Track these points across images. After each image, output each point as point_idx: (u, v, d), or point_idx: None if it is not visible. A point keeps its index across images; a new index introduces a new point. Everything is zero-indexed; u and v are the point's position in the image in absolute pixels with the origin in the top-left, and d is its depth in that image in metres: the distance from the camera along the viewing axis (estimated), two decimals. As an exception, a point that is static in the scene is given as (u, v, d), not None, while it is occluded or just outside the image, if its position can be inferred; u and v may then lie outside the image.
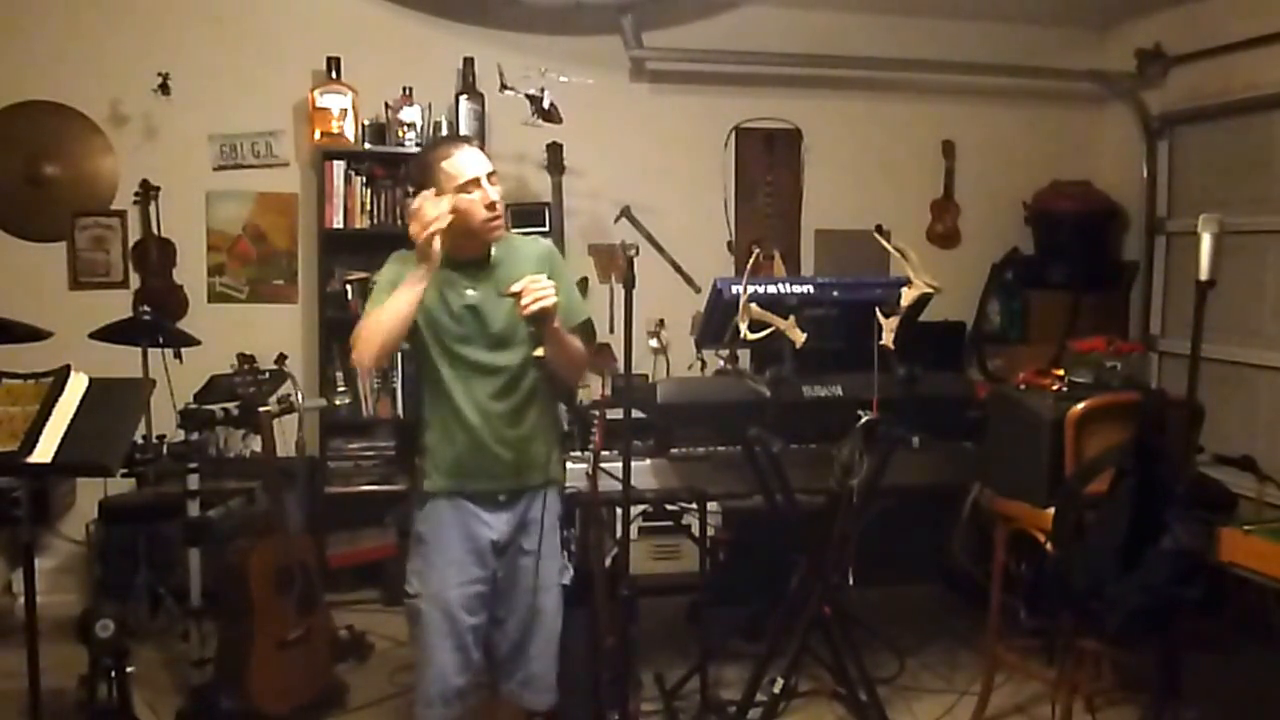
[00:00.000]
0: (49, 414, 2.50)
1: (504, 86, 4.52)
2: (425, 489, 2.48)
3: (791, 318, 2.88)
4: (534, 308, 2.28)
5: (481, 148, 2.49)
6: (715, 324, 3.09)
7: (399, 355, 4.54)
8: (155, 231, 4.49)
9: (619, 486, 2.83)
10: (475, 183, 2.37)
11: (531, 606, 2.53)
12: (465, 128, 4.56)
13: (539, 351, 2.35)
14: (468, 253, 2.44)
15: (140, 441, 3.48)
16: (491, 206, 2.39)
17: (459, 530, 2.47)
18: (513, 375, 2.47)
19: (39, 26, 4.39)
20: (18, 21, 4.37)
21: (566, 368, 2.53)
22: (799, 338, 2.87)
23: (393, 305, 2.31)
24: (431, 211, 2.28)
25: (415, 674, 2.54)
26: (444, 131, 4.57)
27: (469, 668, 2.48)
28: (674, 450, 3.33)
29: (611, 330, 4.81)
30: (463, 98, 4.57)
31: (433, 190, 2.35)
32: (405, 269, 2.37)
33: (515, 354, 2.45)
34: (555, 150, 4.64)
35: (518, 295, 2.29)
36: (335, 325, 4.54)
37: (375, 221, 4.54)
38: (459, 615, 2.44)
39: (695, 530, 3.61)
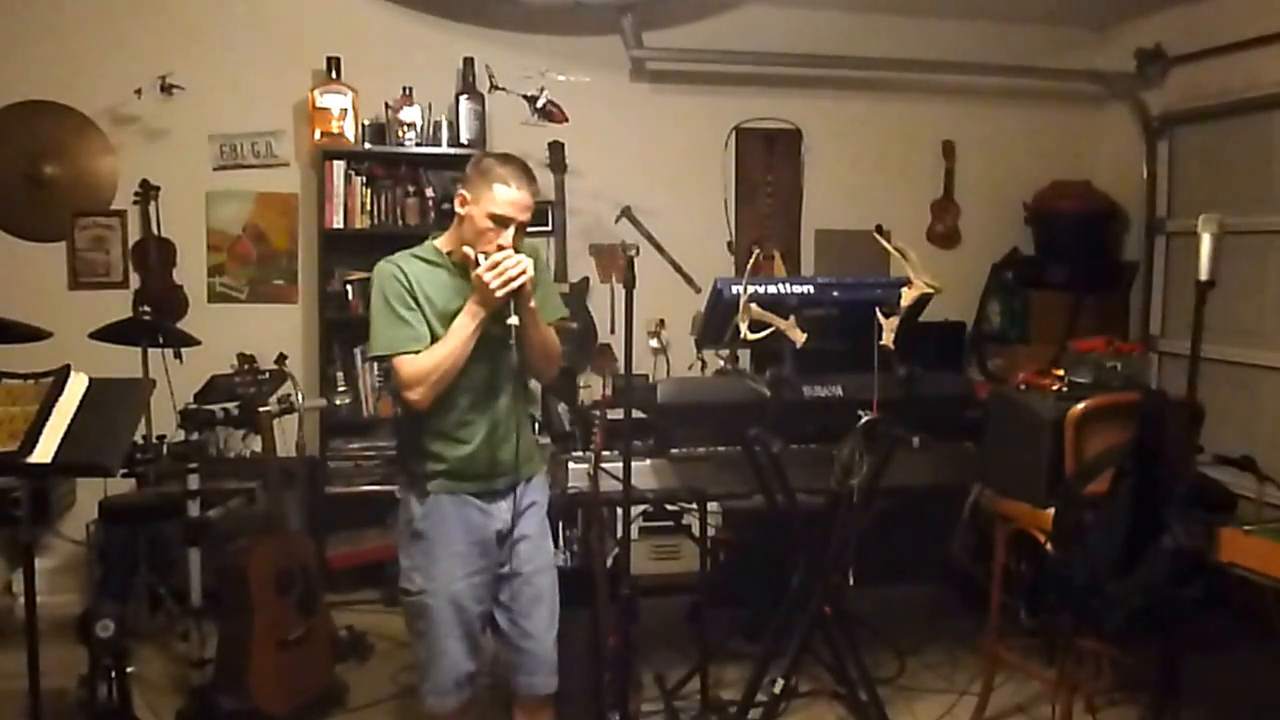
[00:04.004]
0: (49, 414, 2.50)
1: (494, 87, 4.51)
2: (430, 489, 2.48)
3: (791, 318, 2.87)
4: (501, 291, 2.30)
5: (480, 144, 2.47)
6: (715, 324, 3.08)
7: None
8: (155, 231, 4.49)
9: (619, 486, 2.83)
10: (506, 222, 2.38)
11: (532, 588, 2.55)
12: (465, 128, 4.56)
13: (513, 320, 2.34)
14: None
15: (140, 441, 3.49)
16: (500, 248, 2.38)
17: (462, 525, 2.48)
18: (510, 374, 2.50)
19: (40, 26, 4.39)
20: (18, 21, 4.37)
21: (542, 357, 2.53)
22: (799, 338, 2.87)
23: (454, 349, 2.36)
24: (514, 270, 2.31)
25: (421, 668, 2.53)
26: (444, 132, 4.57)
27: (477, 652, 2.53)
28: (674, 450, 3.32)
29: (612, 330, 4.83)
30: (463, 98, 4.56)
31: (485, 211, 2.36)
32: (404, 277, 2.40)
33: (509, 351, 2.45)
34: (557, 149, 4.64)
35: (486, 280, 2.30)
36: (335, 325, 4.55)
37: (375, 221, 4.54)
38: (467, 605, 2.47)
39: (695, 530, 3.61)
